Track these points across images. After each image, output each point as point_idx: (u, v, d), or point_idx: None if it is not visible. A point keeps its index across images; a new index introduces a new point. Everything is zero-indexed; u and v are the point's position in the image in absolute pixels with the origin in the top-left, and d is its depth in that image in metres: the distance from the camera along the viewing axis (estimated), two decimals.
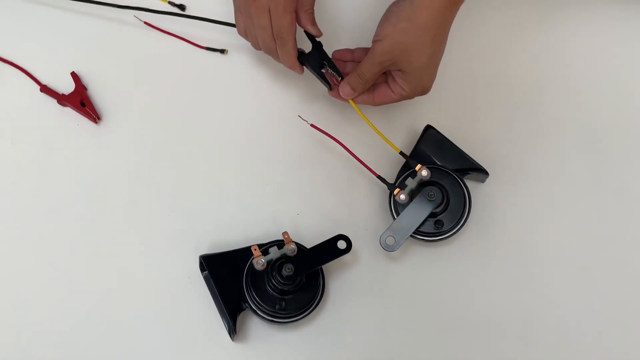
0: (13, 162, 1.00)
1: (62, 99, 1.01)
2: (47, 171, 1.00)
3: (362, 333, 0.95)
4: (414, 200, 0.93)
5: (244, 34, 0.96)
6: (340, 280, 0.96)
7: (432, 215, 0.94)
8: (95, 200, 0.99)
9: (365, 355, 0.94)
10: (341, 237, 0.92)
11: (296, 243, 0.93)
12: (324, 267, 0.94)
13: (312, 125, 0.95)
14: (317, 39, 0.95)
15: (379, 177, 0.94)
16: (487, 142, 1.01)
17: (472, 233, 0.98)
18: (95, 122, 1.01)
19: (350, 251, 0.92)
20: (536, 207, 1.00)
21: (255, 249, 0.90)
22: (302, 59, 0.95)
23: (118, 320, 0.95)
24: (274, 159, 1.01)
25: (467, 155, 0.96)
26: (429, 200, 0.93)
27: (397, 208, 0.95)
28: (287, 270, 0.90)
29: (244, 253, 0.93)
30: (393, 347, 0.95)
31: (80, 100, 1.01)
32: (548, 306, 0.97)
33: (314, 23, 0.94)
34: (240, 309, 0.92)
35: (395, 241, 0.92)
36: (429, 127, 0.98)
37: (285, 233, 0.92)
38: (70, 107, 1.01)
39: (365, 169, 0.94)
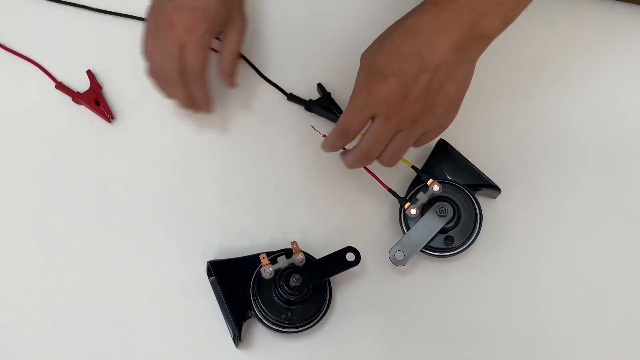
0: (25, 159, 1.00)
1: (77, 97, 1.01)
2: (58, 169, 1.00)
3: (368, 346, 0.95)
4: (424, 215, 0.93)
5: (147, 55, 0.91)
6: (348, 292, 0.96)
7: (442, 230, 0.93)
8: (104, 200, 0.99)
9: None
10: (350, 249, 0.92)
11: (304, 253, 0.92)
12: (331, 278, 0.94)
13: (324, 135, 0.95)
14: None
15: (389, 190, 0.94)
16: (500, 158, 1.00)
17: (482, 249, 0.96)
18: (109, 122, 1.01)
19: (359, 264, 0.92)
20: (548, 226, 0.98)
21: (263, 257, 0.90)
22: (311, 105, 0.99)
23: (122, 322, 0.95)
24: (285, 167, 1.00)
25: (480, 170, 0.95)
26: (440, 216, 0.92)
27: (407, 222, 0.94)
28: (295, 280, 0.89)
29: (252, 260, 0.92)
30: None
31: (94, 98, 1.01)
32: (557, 327, 0.95)
33: (230, 74, 0.93)
34: (245, 317, 0.92)
35: (405, 256, 0.92)
36: (442, 142, 0.97)
37: (294, 242, 0.91)
38: (85, 106, 1.01)
39: (376, 181, 0.94)
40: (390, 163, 0.85)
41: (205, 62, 0.89)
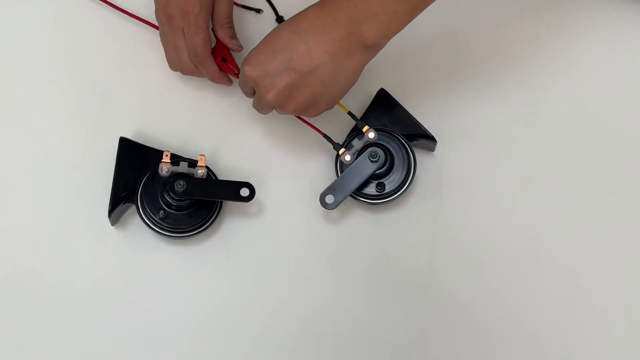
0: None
1: None
2: None
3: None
4: (356, 160, 0.92)
5: (165, 54, 0.95)
6: (240, 227, 0.97)
7: (375, 177, 0.93)
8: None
9: None
10: (246, 185, 0.92)
11: (210, 171, 0.94)
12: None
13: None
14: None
15: (325, 136, 0.94)
16: (441, 110, 0.99)
17: (418, 200, 0.97)
18: (237, 77, 0.95)
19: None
20: (483, 179, 0.98)
21: (167, 155, 0.92)
22: None
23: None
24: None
25: (417, 121, 0.95)
26: (372, 161, 0.92)
27: (342, 168, 0.94)
28: (179, 186, 0.91)
29: (158, 155, 0.94)
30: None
31: (222, 55, 0.95)
32: (492, 275, 0.95)
33: (232, 36, 0.93)
34: (127, 200, 0.94)
35: (335, 200, 0.92)
36: (381, 91, 0.96)
37: (202, 156, 0.93)
38: None
39: (311, 128, 0.94)
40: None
41: (205, 41, 0.91)
